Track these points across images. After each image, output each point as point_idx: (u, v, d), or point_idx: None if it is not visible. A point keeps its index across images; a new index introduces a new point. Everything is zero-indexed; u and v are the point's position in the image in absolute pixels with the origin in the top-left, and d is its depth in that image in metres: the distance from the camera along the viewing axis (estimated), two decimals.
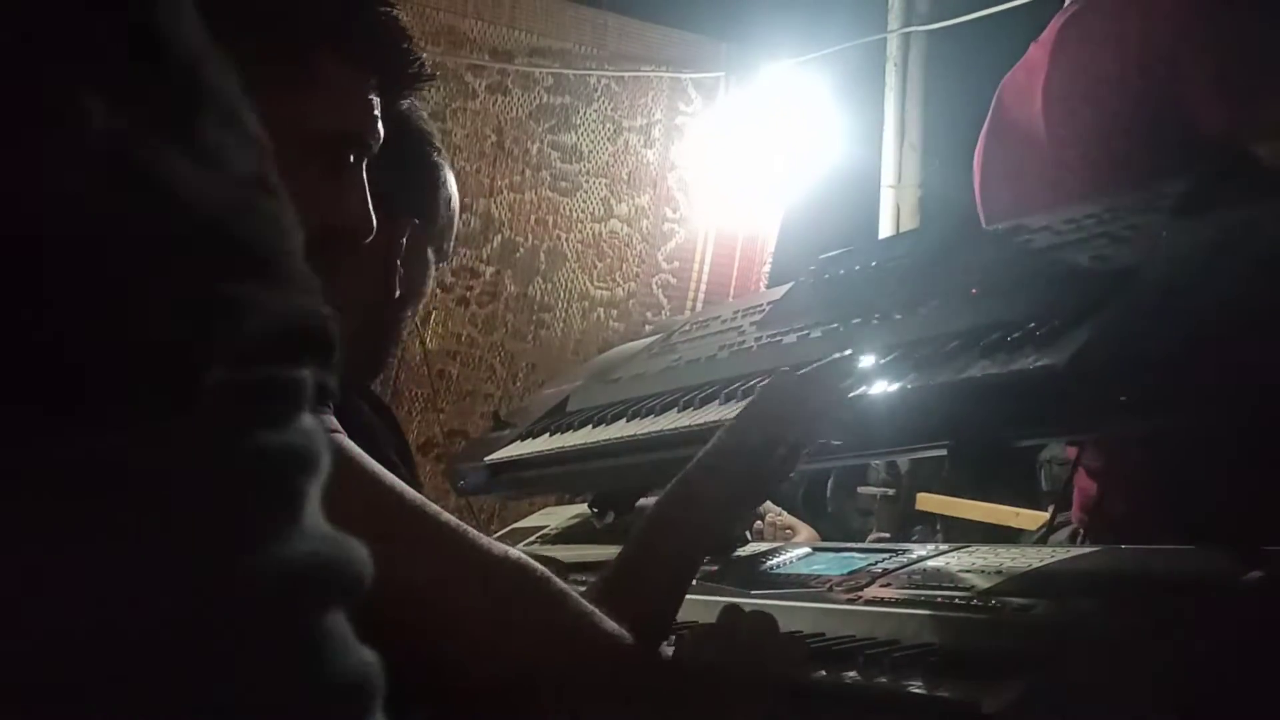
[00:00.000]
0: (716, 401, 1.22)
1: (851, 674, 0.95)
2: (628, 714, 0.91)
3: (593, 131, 3.93)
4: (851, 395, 1.08)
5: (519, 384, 3.84)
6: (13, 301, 0.28)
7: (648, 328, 3.04)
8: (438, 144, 1.44)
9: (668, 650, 1.02)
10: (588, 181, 3.94)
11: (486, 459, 1.53)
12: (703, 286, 4.11)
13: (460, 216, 1.53)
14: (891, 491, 3.30)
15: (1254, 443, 1.24)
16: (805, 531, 2.70)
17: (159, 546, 0.29)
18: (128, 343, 0.29)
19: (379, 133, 1.03)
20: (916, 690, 0.89)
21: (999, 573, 1.13)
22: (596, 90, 3.93)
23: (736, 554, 1.47)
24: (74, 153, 0.29)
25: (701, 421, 1.19)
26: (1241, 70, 1.36)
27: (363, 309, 1.27)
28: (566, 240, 3.93)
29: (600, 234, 3.98)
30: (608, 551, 1.08)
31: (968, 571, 1.17)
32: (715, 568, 1.41)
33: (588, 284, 3.99)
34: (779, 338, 1.33)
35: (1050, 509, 1.90)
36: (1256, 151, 1.31)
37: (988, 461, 1.02)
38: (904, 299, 1.20)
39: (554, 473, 1.47)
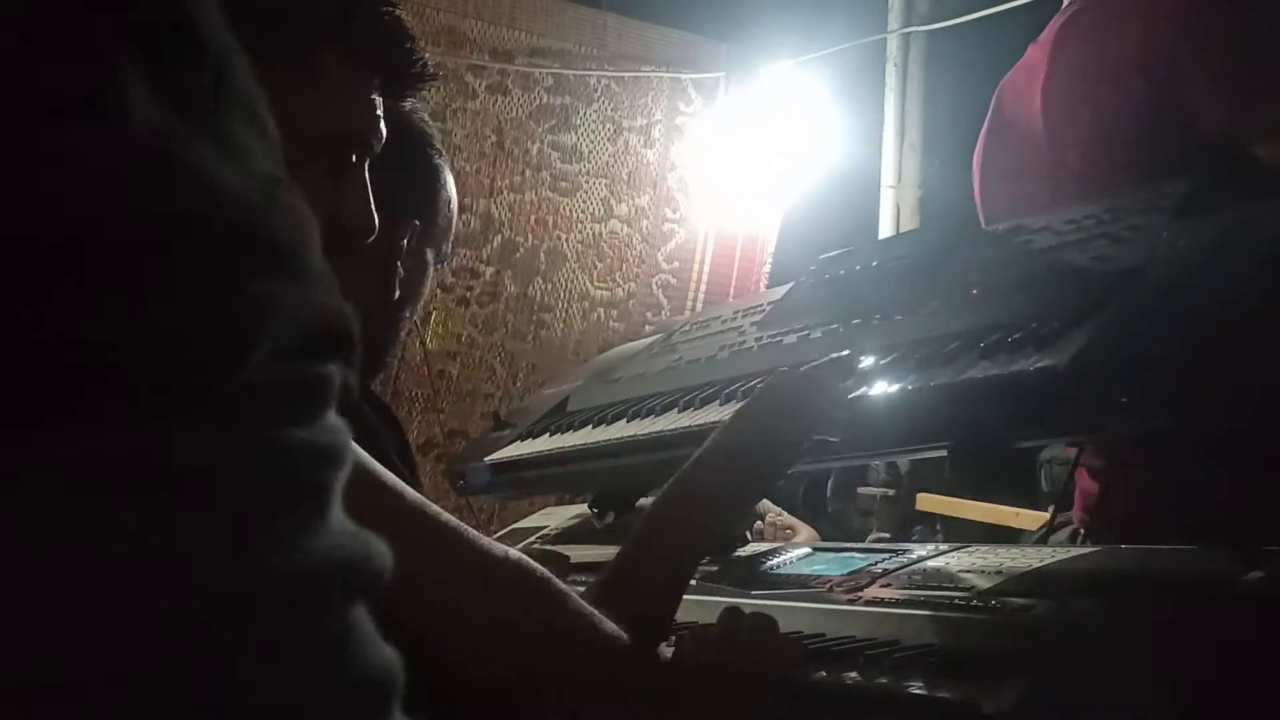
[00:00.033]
0: (716, 402, 1.22)
1: (852, 674, 0.95)
2: (627, 715, 0.91)
3: (593, 132, 3.93)
4: (850, 394, 1.08)
5: (519, 384, 3.85)
6: (49, 297, 0.28)
7: (648, 328, 3.04)
8: (438, 145, 1.44)
9: (667, 651, 1.02)
10: (588, 182, 3.94)
11: (486, 459, 1.53)
12: (703, 286, 4.11)
13: (460, 216, 1.53)
14: (891, 491, 3.30)
15: (1254, 443, 1.24)
16: (805, 531, 2.70)
17: (192, 544, 0.29)
18: (165, 340, 0.29)
19: (381, 133, 1.03)
20: (917, 691, 0.89)
21: (999, 573, 1.13)
22: (596, 90, 3.93)
23: (736, 554, 1.47)
24: (118, 146, 0.29)
25: (701, 422, 1.19)
26: (1242, 70, 1.36)
27: (362, 309, 1.27)
28: (566, 240, 3.93)
29: (600, 234, 3.98)
30: (608, 551, 1.08)
31: (968, 571, 1.17)
32: (715, 568, 1.41)
33: (588, 284, 3.99)
34: (779, 338, 1.32)
35: (1050, 509, 1.90)
36: (1257, 152, 1.31)
37: (988, 462, 1.02)
38: (904, 299, 1.20)
39: (554, 473, 1.47)
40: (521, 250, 3.87)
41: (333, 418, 0.33)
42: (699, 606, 1.12)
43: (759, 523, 2.60)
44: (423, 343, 3.48)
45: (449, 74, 3.60)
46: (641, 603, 0.99)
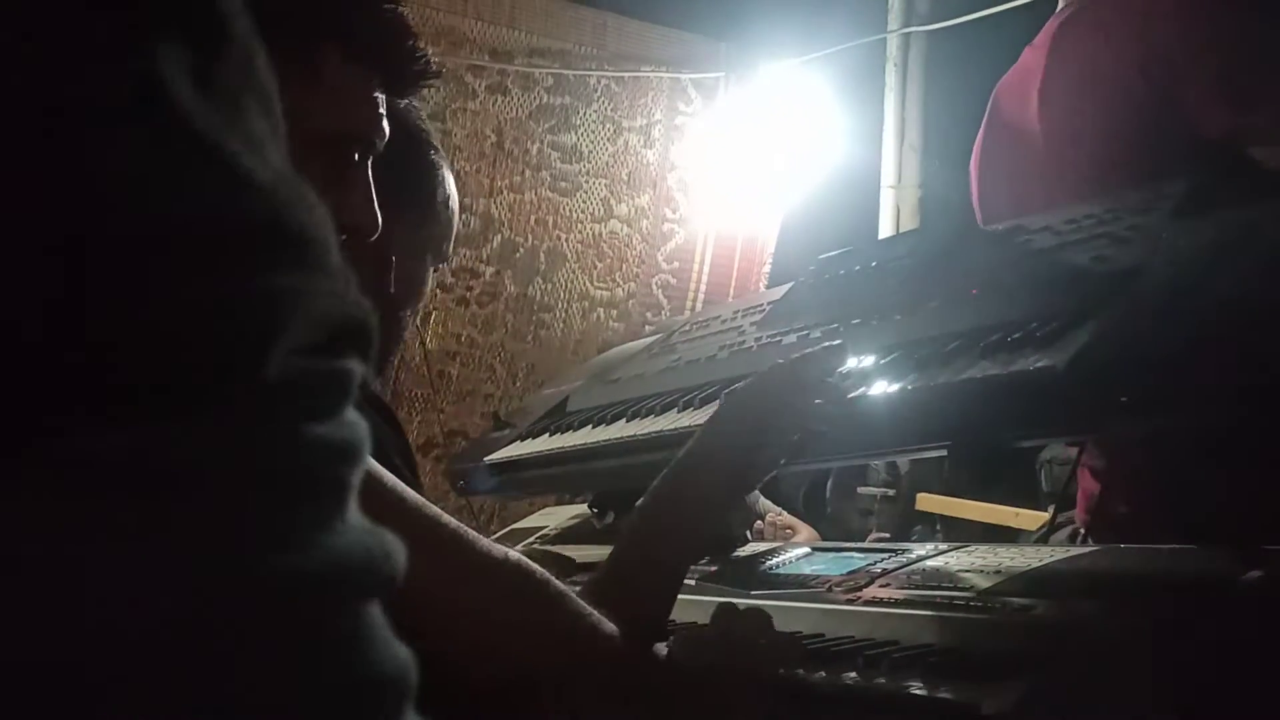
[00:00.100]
0: (716, 402, 1.22)
1: (851, 675, 0.95)
2: (627, 715, 0.91)
3: (593, 132, 3.93)
4: (835, 382, 1.08)
5: (519, 384, 3.84)
6: (78, 289, 0.28)
7: (648, 328, 3.04)
8: (434, 143, 1.44)
9: (664, 650, 1.02)
10: (588, 182, 3.94)
11: (486, 459, 1.53)
12: (703, 287, 4.11)
13: (460, 216, 1.52)
14: (891, 491, 3.30)
15: (1254, 443, 1.24)
16: (805, 531, 2.70)
17: (206, 541, 0.29)
18: (188, 335, 0.29)
19: (384, 131, 1.03)
20: (916, 691, 0.89)
21: (999, 573, 1.13)
22: (596, 90, 3.93)
23: (736, 554, 1.47)
24: (159, 141, 0.29)
25: (701, 422, 1.19)
26: (1242, 71, 1.36)
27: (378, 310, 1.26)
28: (566, 240, 3.93)
29: (600, 234, 3.98)
30: (607, 552, 1.08)
31: (968, 571, 1.17)
32: (715, 568, 1.41)
33: (588, 284, 3.99)
34: (779, 338, 1.32)
35: (1050, 509, 1.90)
36: (1257, 152, 1.31)
37: (988, 462, 1.02)
38: (904, 299, 1.20)
39: (554, 473, 1.47)
40: (521, 250, 3.87)
41: (352, 413, 0.33)
42: (699, 606, 1.12)
43: (759, 523, 2.60)
44: (423, 343, 3.48)
45: (449, 74, 3.60)
46: (636, 602, 0.99)
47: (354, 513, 0.32)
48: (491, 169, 3.78)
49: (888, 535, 3.05)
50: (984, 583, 1.11)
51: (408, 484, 0.92)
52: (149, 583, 0.28)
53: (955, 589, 1.12)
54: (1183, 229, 1.00)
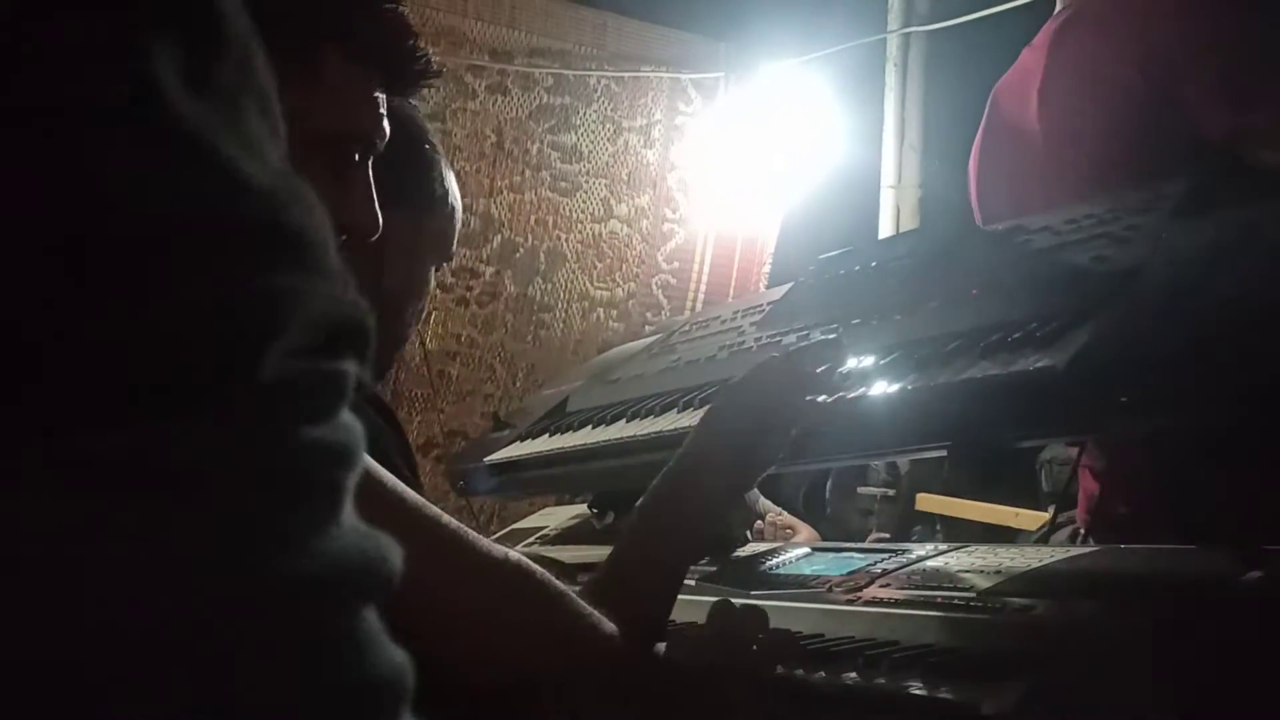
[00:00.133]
0: None
1: (851, 675, 0.95)
2: (627, 714, 0.91)
3: (593, 132, 3.93)
4: (829, 375, 1.08)
5: (519, 384, 3.84)
6: (76, 290, 0.28)
7: (648, 328, 3.04)
8: (431, 138, 1.43)
9: (664, 650, 1.02)
10: (588, 182, 3.94)
11: (486, 459, 1.53)
12: (703, 287, 4.11)
13: (460, 216, 1.51)
14: (891, 491, 3.30)
15: (1254, 443, 1.24)
16: (805, 531, 2.70)
17: (199, 544, 0.29)
18: (188, 336, 0.29)
19: (385, 131, 1.03)
20: (916, 691, 0.89)
21: (999, 573, 1.13)
22: (596, 90, 3.93)
23: (736, 554, 1.47)
24: (155, 142, 0.29)
25: None
26: (1242, 71, 1.36)
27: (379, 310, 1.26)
28: (566, 240, 3.93)
29: (600, 234, 3.98)
30: (607, 552, 1.08)
31: (968, 571, 1.17)
32: (715, 568, 1.41)
33: (588, 284, 3.99)
34: (779, 338, 1.32)
35: (1050, 509, 1.90)
36: (1257, 152, 1.31)
37: (988, 462, 1.02)
38: (904, 299, 1.20)
39: (554, 473, 1.47)
40: (521, 250, 3.87)
41: (347, 416, 0.33)
42: (699, 606, 1.12)
43: (759, 523, 2.60)
44: (423, 343, 3.48)
45: (449, 74, 3.60)
46: (636, 602, 0.99)
47: (349, 516, 0.32)
48: (491, 169, 3.78)
49: (888, 535, 3.04)
50: (984, 583, 1.11)
51: (408, 484, 0.92)
52: (145, 584, 0.28)
53: (955, 589, 1.12)
54: (1183, 229, 1.00)
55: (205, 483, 0.29)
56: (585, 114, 3.91)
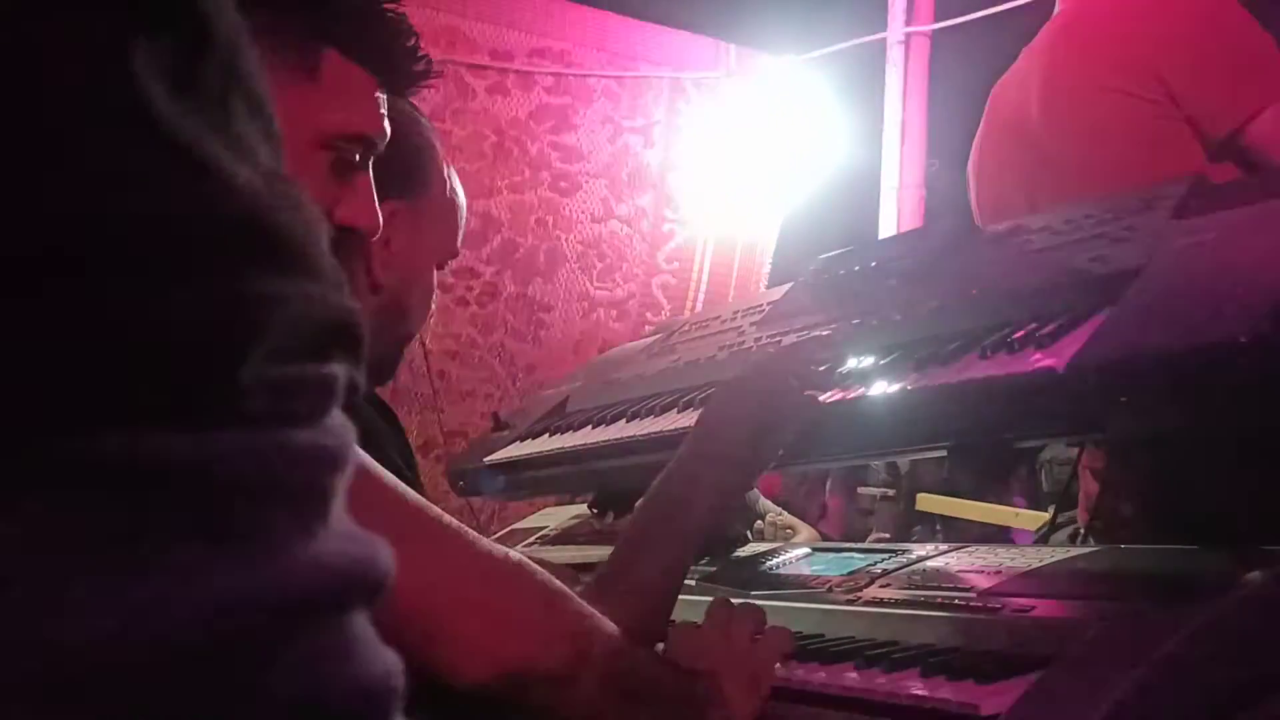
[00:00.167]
0: None
1: (851, 675, 0.95)
2: (627, 714, 0.91)
3: (593, 132, 3.93)
4: (821, 370, 1.08)
5: (519, 384, 3.84)
6: (52, 291, 0.28)
7: (648, 328, 3.04)
8: (430, 136, 1.42)
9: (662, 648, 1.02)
10: (588, 182, 3.94)
11: (486, 460, 1.53)
12: (702, 287, 4.11)
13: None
14: (891, 491, 3.30)
15: (1254, 443, 1.24)
16: (805, 531, 2.70)
17: (189, 548, 0.29)
18: (167, 338, 0.29)
19: (385, 131, 1.03)
20: (916, 691, 0.89)
21: (999, 573, 1.13)
22: (596, 90, 3.93)
23: (736, 554, 1.47)
24: (134, 143, 0.29)
25: None
26: (1241, 71, 1.36)
27: (375, 310, 1.25)
28: (566, 240, 3.93)
29: (600, 234, 3.98)
30: (607, 552, 1.08)
31: (968, 571, 1.17)
32: (715, 568, 1.41)
33: (588, 284, 3.99)
34: (779, 338, 1.32)
35: (1050, 509, 1.90)
36: (1257, 152, 1.31)
37: (988, 462, 1.02)
38: (904, 299, 1.20)
39: (554, 473, 1.47)
40: (521, 250, 3.87)
41: (337, 418, 0.33)
42: (699, 607, 1.13)
43: (759, 523, 2.60)
44: (423, 343, 3.48)
45: (449, 74, 3.60)
46: (637, 601, 0.99)
47: (338, 519, 0.32)
48: (491, 169, 3.78)
49: (888, 535, 3.05)
50: (984, 583, 1.11)
51: (408, 484, 0.92)
52: (129, 590, 0.28)
53: (955, 589, 1.12)
54: (1182, 229, 1.00)
55: (186, 487, 0.29)
56: (585, 114, 3.91)
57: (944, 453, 1.07)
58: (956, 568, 1.20)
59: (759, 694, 0.96)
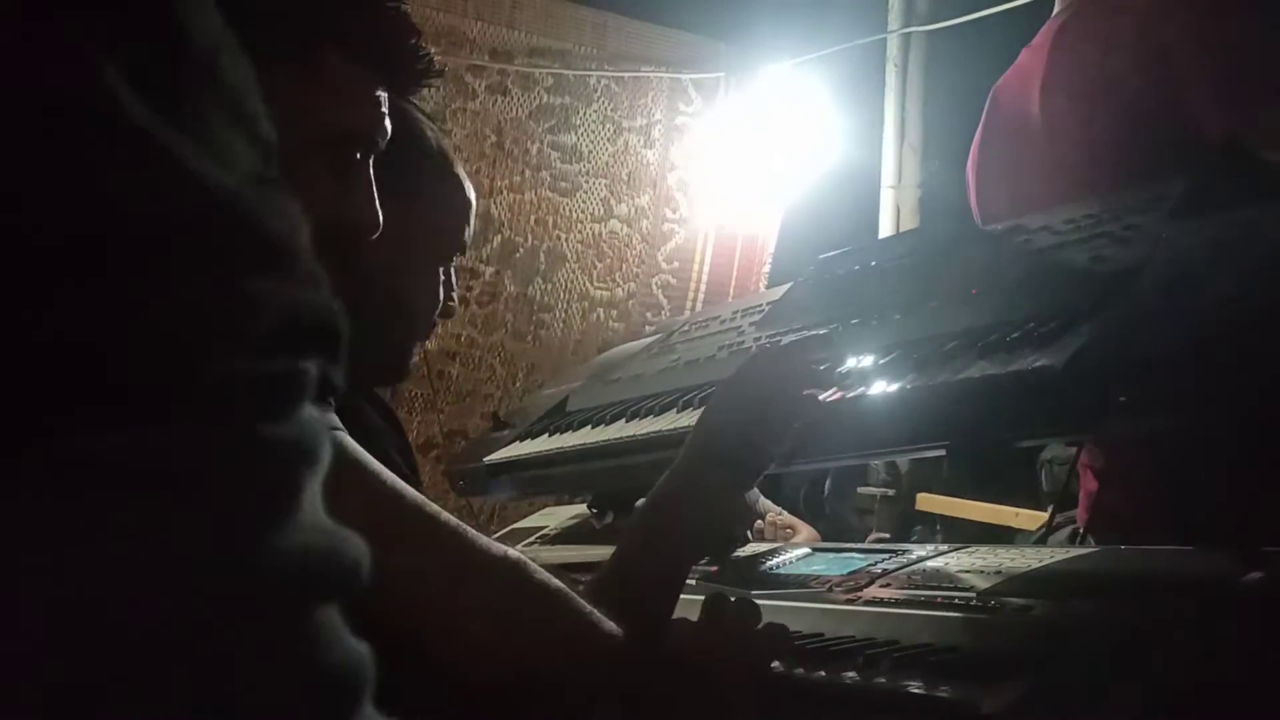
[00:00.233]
0: None
1: (851, 674, 0.95)
2: (626, 713, 0.91)
3: (593, 132, 3.93)
4: (819, 369, 1.08)
5: (519, 384, 3.84)
6: (21, 294, 0.28)
7: (648, 328, 3.04)
8: (431, 134, 1.41)
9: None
10: (588, 182, 3.94)
11: (486, 459, 1.53)
12: (703, 287, 4.11)
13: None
14: (891, 491, 3.30)
15: (1254, 443, 1.24)
16: (805, 531, 2.70)
17: (156, 542, 0.29)
18: (134, 336, 0.29)
19: (386, 129, 1.03)
20: (916, 690, 0.89)
21: (999, 573, 1.13)
22: (596, 90, 3.93)
23: (736, 554, 1.47)
24: (103, 146, 0.29)
25: None
26: (1242, 71, 1.36)
27: (377, 309, 1.25)
28: (566, 240, 3.93)
29: (600, 234, 3.98)
30: (607, 552, 1.08)
31: (967, 571, 1.17)
32: (715, 568, 1.41)
33: (588, 284, 3.99)
34: (778, 338, 1.33)
35: (1050, 509, 1.90)
36: (1256, 152, 1.31)
37: (988, 461, 1.02)
38: (903, 299, 1.20)
39: (553, 473, 1.47)
40: (521, 250, 3.87)
41: (308, 413, 0.33)
42: (699, 606, 1.13)
43: (759, 523, 2.60)
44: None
45: (449, 74, 3.60)
46: (638, 601, 0.99)
47: (310, 513, 0.32)
48: (491, 169, 3.78)
49: (888, 535, 3.04)
50: (984, 583, 1.12)
51: (409, 484, 0.92)
52: (135, 580, 0.28)
53: (955, 589, 1.12)
54: (1182, 229, 1.00)
55: (143, 483, 0.29)
56: (585, 114, 3.91)
57: (944, 452, 1.07)
58: (956, 568, 1.20)
59: (757, 691, 0.96)
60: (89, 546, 0.28)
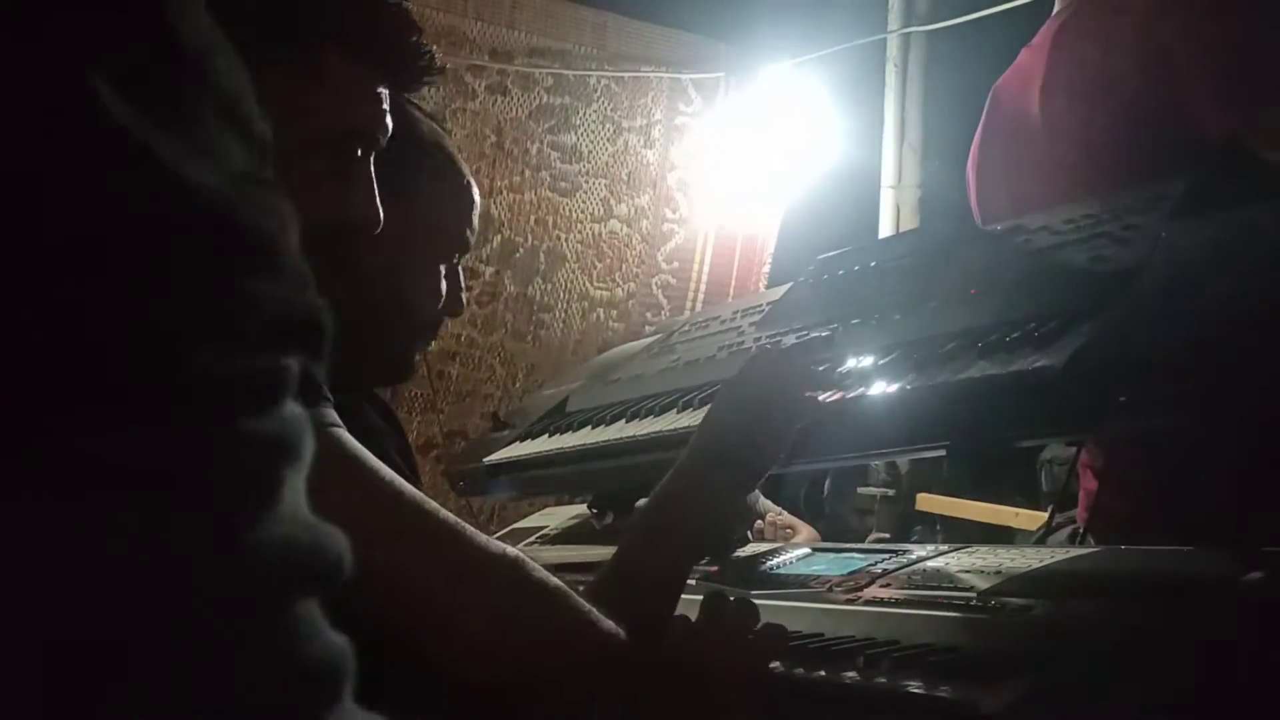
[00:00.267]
0: None
1: (851, 674, 0.95)
2: (625, 711, 0.91)
3: (592, 132, 3.93)
4: (821, 370, 1.08)
5: (519, 384, 3.84)
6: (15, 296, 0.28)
7: (648, 328, 3.04)
8: (430, 132, 1.41)
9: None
10: (587, 182, 3.94)
11: (486, 460, 1.53)
12: (702, 287, 4.11)
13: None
14: (891, 492, 3.30)
15: (1254, 443, 1.24)
16: (805, 531, 2.70)
17: (137, 536, 0.29)
18: (113, 331, 0.29)
19: (387, 126, 1.02)
20: (916, 690, 0.89)
21: (999, 573, 1.13)
22: (596, 91, 3.93)
23: (736, 554, 1.47)
24: (84, 147, 0.30)
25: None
26: (1241, 71, 1.36)
27: (378, 308, 1.25)
28: (566, 240, 3.93)
29: (600, 234, 3.98)
30: (607, 552, 1.08)
31: (967, 572, 1.17)
32: (715, 568, 1.41)
33: (588, 284, 3.99)
34: (778, 338, 1.32)
35: (1050, 509, 1.90)
36: (1256, 152, 1.31)
37: (988, 461, 1.02)
38: (903, 299, 1.20)
39: (553, 473, 1.47)
40: (521, 250, 3.87)
41: (291, 409, 0.33)
42: (698, 607, 1.13)
43: (759, 523, 2.60)
44: None
45: (449, 74, 3.60)
46: (639, 602, 0.99)
47: (291, 507, 0.33)
48: (491, 169, 3.78)
49: (888, 535, 3.04)
50: (983, 583, 1.12)
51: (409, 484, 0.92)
52: (116, 575, 0.29)
53: (955, 589, 1.12)
54: (1181, 229, 1.00)
55: (130, 481, 0.30)
56: (585, 114, 3.91)
57: (944, 452, 1.07)
58: (956, 568, 1.20)
59: (756, 691, 0.96)
60: (82, 546, 0.29)
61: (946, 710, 0.86)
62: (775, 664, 1.00)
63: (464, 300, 1.40)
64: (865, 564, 1.28)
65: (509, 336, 3.87)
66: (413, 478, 1.04)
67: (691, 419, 1.22)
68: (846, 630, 1.06)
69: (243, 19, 0.36)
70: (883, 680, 0.92)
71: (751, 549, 1.50)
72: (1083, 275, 1.02)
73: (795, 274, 1.51)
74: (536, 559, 0.96)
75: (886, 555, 1.32)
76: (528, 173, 3.84)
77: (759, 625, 1.00)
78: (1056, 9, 1.60)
